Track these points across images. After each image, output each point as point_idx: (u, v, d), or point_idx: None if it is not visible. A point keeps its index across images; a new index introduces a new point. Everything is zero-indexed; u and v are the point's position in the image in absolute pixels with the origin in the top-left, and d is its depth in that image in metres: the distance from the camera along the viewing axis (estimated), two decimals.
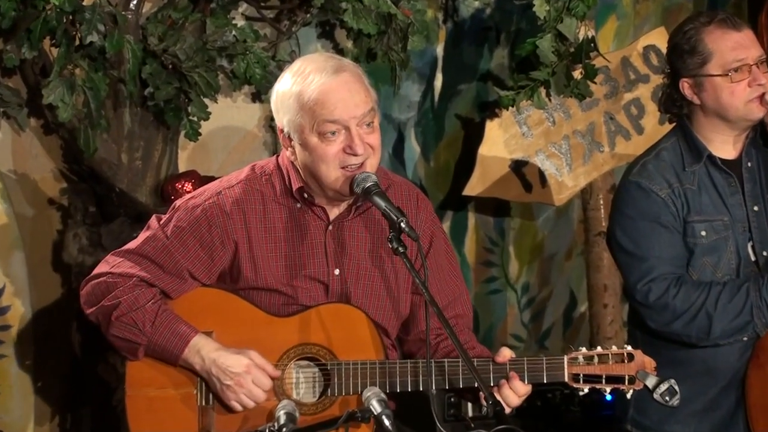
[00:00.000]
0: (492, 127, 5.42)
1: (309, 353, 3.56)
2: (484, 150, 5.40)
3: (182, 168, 4.92)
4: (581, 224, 5.79)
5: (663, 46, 4.34)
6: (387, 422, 3.16)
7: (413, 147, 5.59)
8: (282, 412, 3.20)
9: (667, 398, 3.50)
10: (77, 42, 4.47)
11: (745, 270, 4.00)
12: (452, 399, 4.83)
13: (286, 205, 3.64)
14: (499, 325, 5.87)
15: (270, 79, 4.66)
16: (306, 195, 3.61)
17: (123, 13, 4.53)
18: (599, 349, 3.54)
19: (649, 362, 3.54)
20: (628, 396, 3.55)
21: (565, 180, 5.48)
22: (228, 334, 3.56)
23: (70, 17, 4.41)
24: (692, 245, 3.98)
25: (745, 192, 4.03)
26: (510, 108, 5.20)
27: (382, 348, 3.58)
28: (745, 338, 3.96)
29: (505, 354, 3.52)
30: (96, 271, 3.64)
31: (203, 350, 3.52)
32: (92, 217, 4.73)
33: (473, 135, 5.56)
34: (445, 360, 3.53)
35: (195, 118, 4.73)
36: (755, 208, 4.02)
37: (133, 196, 4.71)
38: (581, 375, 3.52)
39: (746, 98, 3.96)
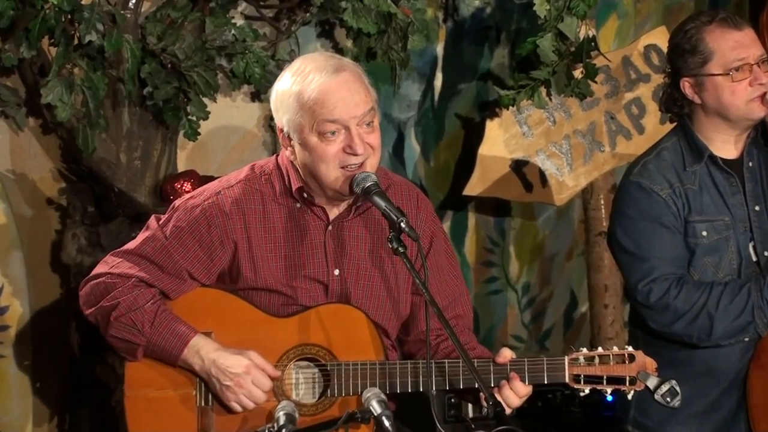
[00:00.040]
0: (492, 127, 5.42)
1: (309, 354, 3.56)
2: (484, 150, 5.40)
3: (181, 168, 4.92)
4: (582, 224, 5.79)
5: (664, 46, 4.34)
6: (387, 423, 3.16)
7: (413, 146, 5.59)
8: (281, 413, 3.20)
9: (668, 399, 3.50)
10: (76, 41, 4.46)
11: (746, 270, 4.00)
12: (452, 400, 4.82)
13: (285, 205, 3.63)
14: (500, 325, 5.87)
15: (269, 79, 4.67)
16: (306, 195, 3.61)
17: (122, 12, 4.53)
18: (600, 349, 3.54)
19: (651, 363, 3.54)
20: (629, 397, 3.54)
21: (566, 180, 5.48)
22: (227, 335, 3.55)
23: (69, 16, 4.41)
24: (693, 245, 3.98)
25: (746, 192, 4.03)
26: (510, 107, 5.20)
27: (382, 349, 3.57)
28: (746, 339, 3.96)
29: (506, 354, 3.52)
30: (95, 271, 3.64)
31: (203, 351, 3.51)
32: (91, 217, 4.72)
33: (473, 134, 5.56)
34: (446, 361, 3.53)
35: (194, 118, 4.73)
36: (756, 208, 4.02)
37: (132, 195, 4.71)
38: (582, 376, 3.52)
39: (747, 98, 3.95)
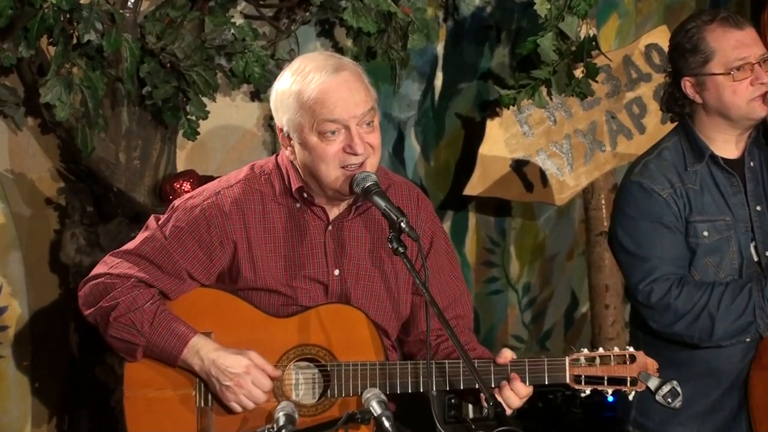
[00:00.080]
0: (493, 127, 5.42)
1: (308, 354, 3.55)
2: (484, 149, 5.40)
3: (180, 167, 4.91)
4: (583, 224, 5.80)
5: (665, 45, 4.34)
6: (387, 424, 3.15)
7: (413, 146, 5.59)
8: (281, 414, 3.20)
9: (669, 400, 3.49)
10: (75, 40, 4.46)
11: (747, 270, 3.99)
12: (453, 400, 4.83)
13: (285, 205, 3.63)
14: (500, 325, 5.88)
15: (269, 78, 4.67)
16: (305, 195, 3.60)
17: (121, 11, 4.53)
18: (601, 350, 3.54)
19: (652, 364, 3.54)
20: (630, 398, 3.54)
21: (567, 179, 5.48)
22: (227, 335, 3.55)
23: (68, 16, 4.40)
24: (694, 245, 3.97)
25: (747, 192, 4.02)
26: (511, 107, 5.21)
27: (382, 349, 3.57)
28: (747, 339, 3.95)
29: (506, 355, 3.52)
30: (94, 272, 3.64)
31: (202, 351, 3.51)
32: (90, 217, 4.72)
33: (474, 134, 5.56)
34: (446, 361, 3.53)
35: (193, 117, 4.73)
36: (758, 208, 4.02)
37: (131, 195, 4.71)
38: (583, 376, 3.51)
39: (748, 97, 3.95)
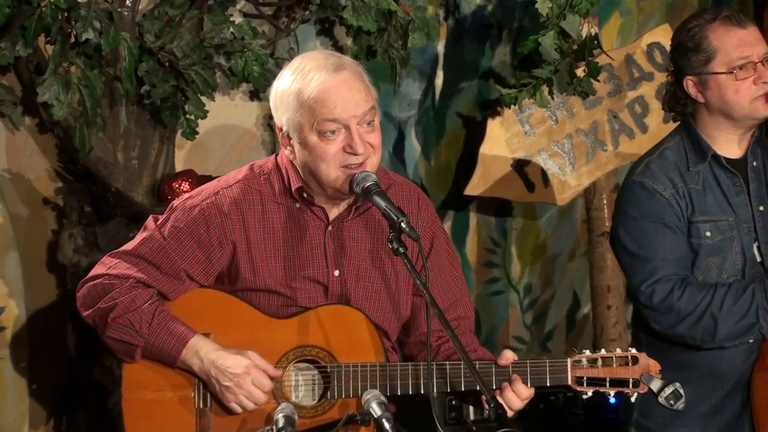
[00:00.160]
0: (494, 126, 5.43)
1: (308, 355, 3.55)
2: (485, 149, 5.41)
3: (179, 167, 4.92)
4: (584, 224, 5.80)
5: (667, 44, 4.34)
6: (387, 425, 3.14)
7: (414, 146, 5.60)
8: (281, 415, 3.19)
9: (671, 402, 3.49)
10: (72, 39, 4.47)
11: (750, 271, 3.99)
12: (453, 402, 4.84)
13: (285, 205, 3.62)
14: (501, 326, 5.88)
15: (268, 77, 4.67)
16: (305, 195, 3.59)
17: (119, 10, 4.53)
18: (603, 351, 3.53)
19: (654, 365, 3.53)
20: (633, 399, 3.54)
21: (568, 179, 5.48)
22: (226, 336, 3.54)
23: (66, 14, 4.41)
24: (697, 246, 3.97)
25: (750, 192, 4.02)
26: (512, 106, 5.21)
27: (382, 350, 3.56)
28: (750, 340, 3.95)
29: (508, 356, 3.51)
30: (92, 272, 3.63)
31: (201, 351, 3.50)
32: (88, 217, 4.73)
33: (475, 134, 5.57)
34: (447, 362, 3.52)
35: (192, 117, 4.73)
36: (761, 208, 4.01)
37: (130, 195, 4.71)
38: (585, 378, 3.51)
39: (751, 96, 3.94)
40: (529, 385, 3.49)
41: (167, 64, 4.62)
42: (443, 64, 5.60)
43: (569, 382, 3.50)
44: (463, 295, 3.74)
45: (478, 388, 3.36)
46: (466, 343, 3.59)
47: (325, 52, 3.72)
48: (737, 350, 3.96)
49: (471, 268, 5.76)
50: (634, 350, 3.52)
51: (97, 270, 3.62)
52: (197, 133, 4.76)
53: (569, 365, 3.50)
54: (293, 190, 3.59)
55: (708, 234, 3.96)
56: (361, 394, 3.31)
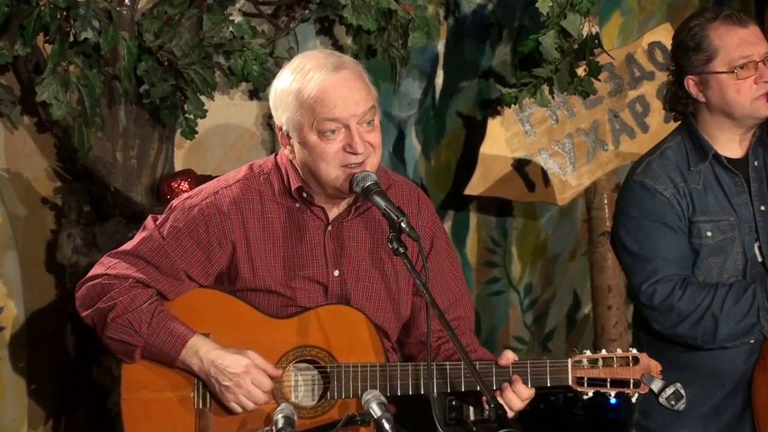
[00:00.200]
0: (494, 125, 5.43)
1: (308, 356, 3.54)
2: (485, 148, 5.41)
3: (178, 167, 4.92)
4: (585, 224, 5.80)
5: (668, 43, 4.33)
6: (387, 426, 3.14)
7: (414, 145, 5.60)
8: (280, 416, 3.18)
9: (672, 402, 3.49)
10: (71, 38, 4.47)
11: (751, 271, 3.99)
12: (453, 402, 4.84)
13: (284, 205, 3.61)
14: (502, 327, 5.88)
15: (268, 77, 4.67)
16: (305, 194, 3.59)
17: (118, 9, 4.53)
18: (604, 352, 3.53)
19: (655, 366, 3.53)
20: (633, 400, 3.53)
21: (569, 179, 5.48)
22: (225, 336, 3.54)
23: (64, 13, 4.41)
24: (698, 246, 3.96)
25: (751, 191, 4.02)
26: (512, 106, 5.20)
27: (382, 350, 3.56)
28: (751, 340, 3.94)
29: (508, 357, 3.51)
30: (91, 273, 3.63)
31: (201, 351, 3.49)
32: (87, 216, 4.73)
33: (475, 133, 5.57)
34: (447, 363, 3.52)
35: (191, 116, 4.73)
36: (762, 208, 4.01)
37: (129, 195, 4.71)
38: (585, 378, 3.51)
39: (752, 96, 3.94)
40: (529, 386, 3.49)
41: (166, 63, 4.62)
42: (443, 64, 5.60)
43: (570, 383, 3.50)
44: (463, 295, 3.73)
45: (478, 389, 3.36)
46: (467, 343, 3.59)
47: (325, 51, 3.72)
48: (738, 350, 3.95)
49: (471, 268, 5.75)
50: (634, 350, 3.52)
51: (96, 270, 3.61)
52: (196, 132, 4.75)
53: (570, 366, 3.50)
54: (293, 189, 3.58)
55: (709, 234, 3.95)
56: (361, 395, 3.30)
